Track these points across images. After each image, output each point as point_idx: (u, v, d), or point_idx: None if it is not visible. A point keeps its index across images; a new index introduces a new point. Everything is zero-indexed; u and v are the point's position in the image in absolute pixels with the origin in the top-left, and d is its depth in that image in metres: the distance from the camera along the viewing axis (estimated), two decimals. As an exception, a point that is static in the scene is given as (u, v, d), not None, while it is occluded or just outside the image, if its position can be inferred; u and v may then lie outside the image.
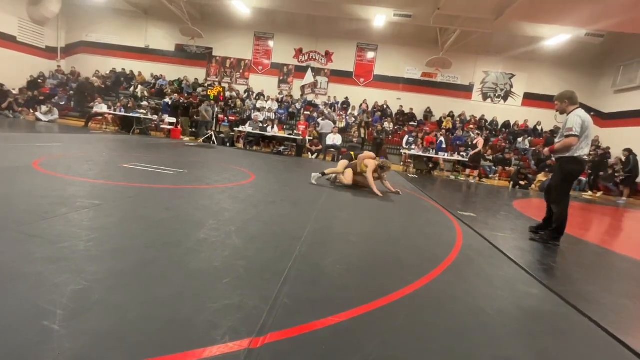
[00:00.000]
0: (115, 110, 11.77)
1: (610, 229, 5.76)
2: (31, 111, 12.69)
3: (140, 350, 1.14)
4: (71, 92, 14.36)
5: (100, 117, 12.26)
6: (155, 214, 2.70)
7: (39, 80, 14.55)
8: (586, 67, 14.24)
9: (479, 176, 10.62)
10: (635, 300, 2.28)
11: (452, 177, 10.28)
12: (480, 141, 10.22)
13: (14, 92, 13.08)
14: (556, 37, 11.94)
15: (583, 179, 10.75)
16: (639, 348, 1.58)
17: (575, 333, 1.72)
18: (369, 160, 5.36)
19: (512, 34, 12.65)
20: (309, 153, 11.87)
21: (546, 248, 3.29)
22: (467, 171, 10.65)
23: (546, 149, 3.63)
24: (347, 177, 5.39)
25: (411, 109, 14.90)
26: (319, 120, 12.67)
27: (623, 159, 10.41)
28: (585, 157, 3.34)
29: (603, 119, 13.58)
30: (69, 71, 15.91)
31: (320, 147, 11.82)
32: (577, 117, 3.23)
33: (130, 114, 11.38)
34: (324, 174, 5.48)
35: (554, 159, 3.55)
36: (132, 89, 15.04)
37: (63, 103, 13.37)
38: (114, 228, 2.29)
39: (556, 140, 3.48)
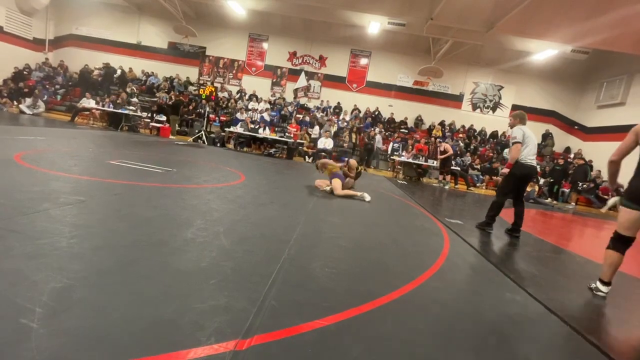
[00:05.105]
0: (103, 105, 11.53)
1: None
2: (15, 103, 12.33)
3: (122, 351, 1.11)
4: (57, 86, 14.01)
5: (87, 112, 11.99)
6: (142, 212, 2.65)
7: (25, 72, 14.16)
8: (571, 82, 14.70)
9: (454, 182, 10.92)
10: (615, 310, 2.34)
11: (445, 186, 10.43)
12: (444, 146, 10.53)
13: (-3, 82, 12.71)
14: (543, 51, 12.31)
15: (566, 190, 11.02)
16: (617, 356, 1.63)
17: (558, 341, 1.75)
18: (334, 172, 5.18)
19: (502, 47, 12.99)
20: (306, 156, 11.85)
21: (531, 257, 3.36)
22: (448, 177, 10.88)
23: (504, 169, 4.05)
24: (337, 189, 5.08)
25: (406, 118, 15.05)
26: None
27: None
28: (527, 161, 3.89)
29: (586, 132, 14.00)
30: (57, 64, 15.54)
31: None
32: (519, 129, 3.95)
33: (119, 110, 11.17)
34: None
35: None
36: (117, 75, 14.87)
37: (45, 98, 13.01)
38: (98, 225, 2.23)
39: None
